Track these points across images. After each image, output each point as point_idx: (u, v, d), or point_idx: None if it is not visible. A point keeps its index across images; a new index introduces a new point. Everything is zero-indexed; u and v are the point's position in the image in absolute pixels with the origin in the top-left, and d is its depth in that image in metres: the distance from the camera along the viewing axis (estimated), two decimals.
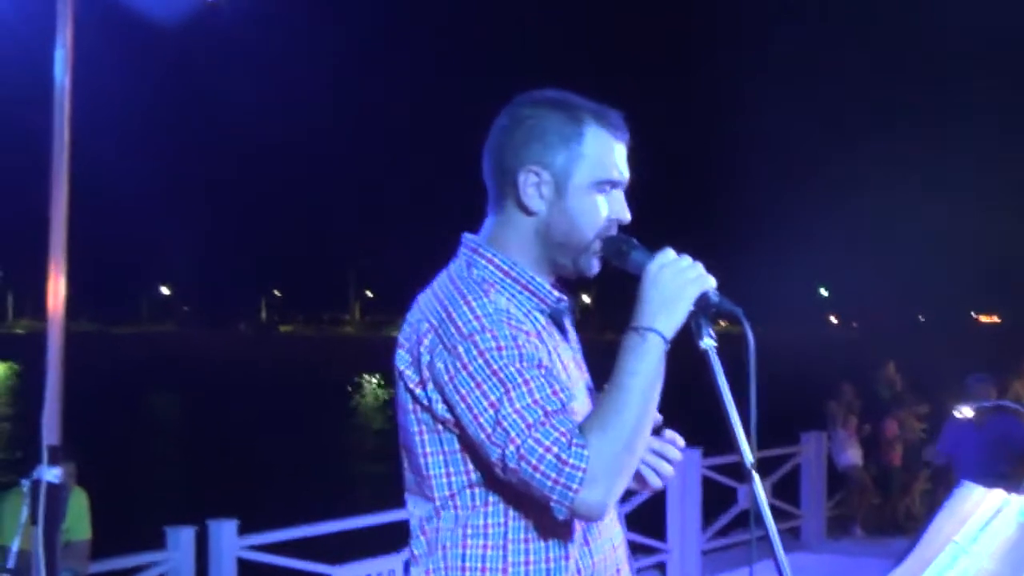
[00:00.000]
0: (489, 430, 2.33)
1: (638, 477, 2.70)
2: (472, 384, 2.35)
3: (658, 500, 10.33)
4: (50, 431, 4.24)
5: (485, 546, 2.48)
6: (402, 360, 2.51)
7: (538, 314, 2.55)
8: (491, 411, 2.33)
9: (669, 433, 2.72)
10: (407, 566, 2.64)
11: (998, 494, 3.39)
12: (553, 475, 2.28)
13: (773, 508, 11.65)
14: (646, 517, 10.30)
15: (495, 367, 2.34)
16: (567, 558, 2.49)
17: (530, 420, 2.30)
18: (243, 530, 7.58)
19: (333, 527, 8.05)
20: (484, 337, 2.37)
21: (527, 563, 2.47)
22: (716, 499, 10.86)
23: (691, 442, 9.28)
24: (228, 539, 7.43)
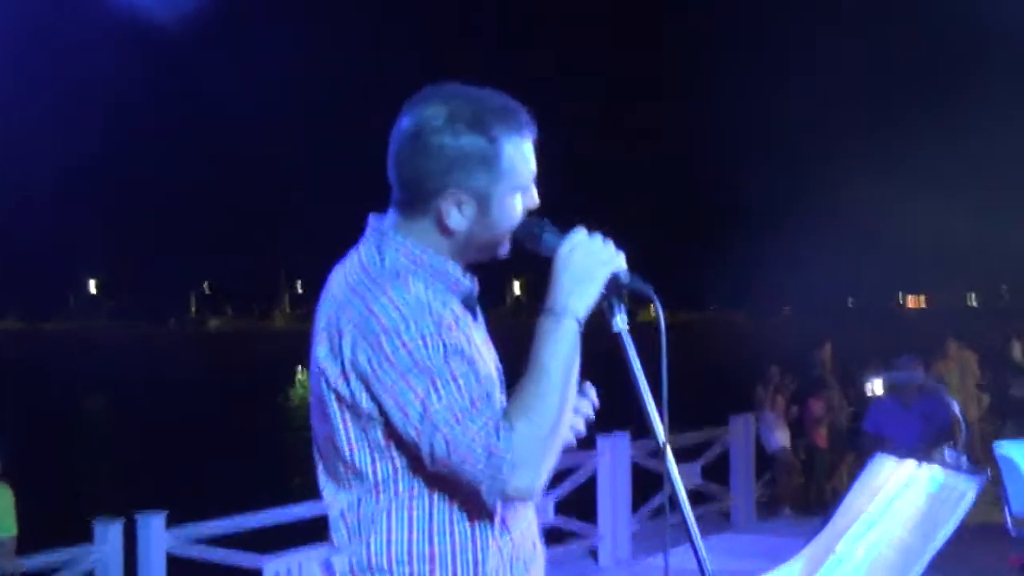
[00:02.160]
0: (416, 422, 2.34)
1: None
2: (397, 376, 2.35)
3: (589, 485, 10.38)
4: None
5: (410, 533, 2.48)
6: (321, 354, 2.49)
7: (451, 297, 2.54)
8: (417, 404, 2.33)
9: (583, 385, 2.69)
10: (328, 565, 2.58)
11: (909, 465, 3.45)
12: (482, 464, 2.30)
13: (703, 491, 11.83)
14: (577, 502, 10.35)
15: (418, 359, 2.34)
16: (491, 539, 2.51)
17: (457, 411, 2.31)
18: (172, 523, 7.53)
19: (262, 519, 8.01)
20: (408, 330, 2.36)
21: (453, 549, 2.48)
22: (645, 483, 10.94)
23: (620, 427, 9.28)
24: (156, 532, 7.39)
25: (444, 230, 2.53)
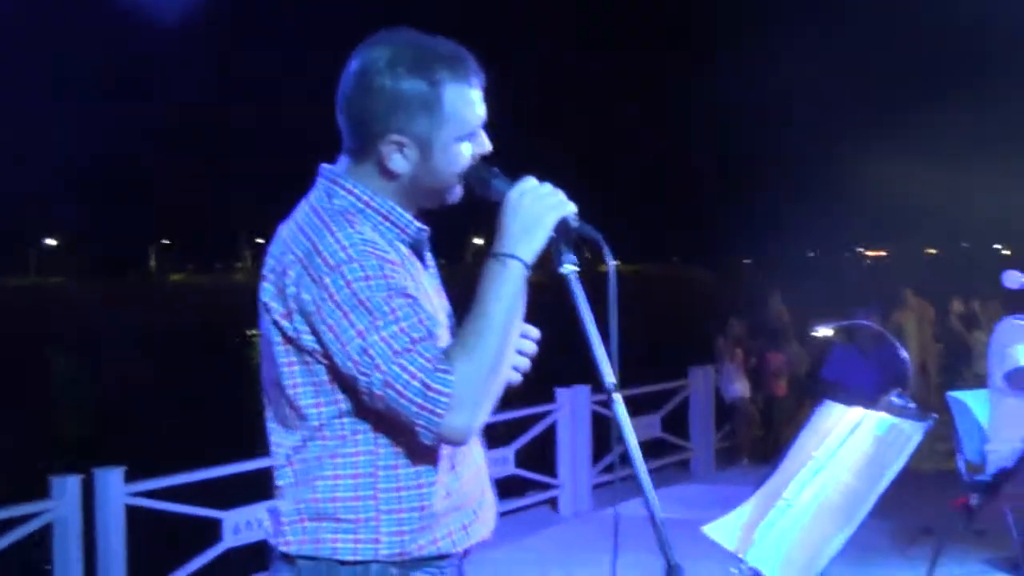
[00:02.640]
0: (356, 358, 2.36)
1: None
2: (339, 314, 2.37)
3: (549, 437, 10.42)
4: None
5: (356, 475, 2.50)
6: (267, 293, 2.51)
7: (400, 244, 2.57)
8: (358, 339, 2.35)
9: (523, 326, 2.70)
10: (274, 511, 2.62)
11: (857, 411, 3.49)
12: (419, 401, 2.33)
13: (663, 442, 11.91)
14: (537, 453, 10.40)
15: (362, 297, 2.36)
16: (436, 483, 2.53)
17: (396, 347, 2.34)
18: (131, 478, 7.51)
19: (220, 472, 8.00)
20: (351, 267, 2.38)
21: (397, 490, 2.51)
22: (606, 435, 10.98)
23: (580, 379, 9.32)
24: (115, 487, 7.36)
25: (387, 174, 2.55)
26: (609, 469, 10.91)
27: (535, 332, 2.74)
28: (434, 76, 2.50)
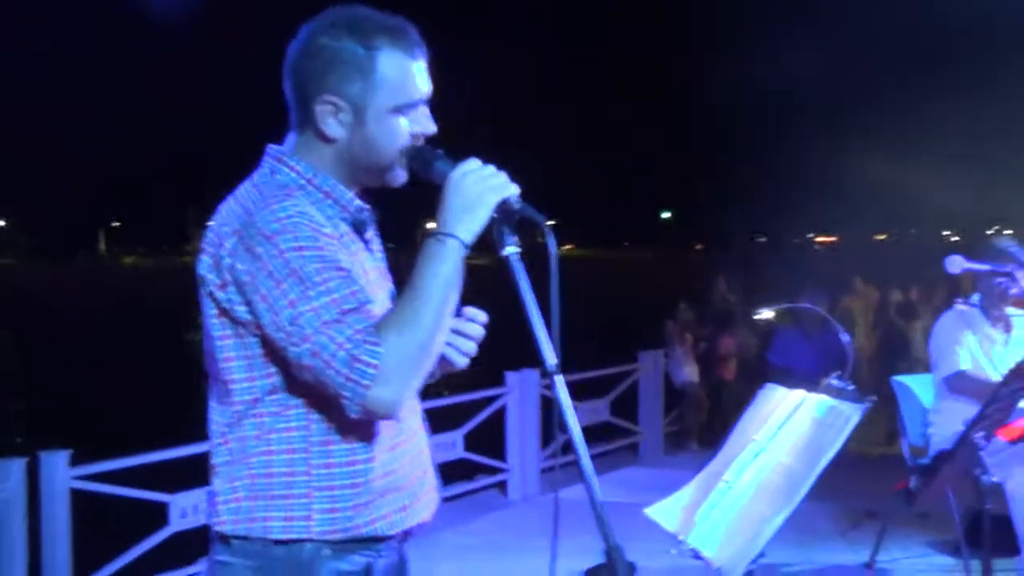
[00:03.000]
0: (287, 328, 2.37)
1: (442, 360, 2.75)
2: (272, 283, 2.38)
3: (498, 420, 10.43)
4: None
5: (290, 451, 2.51)
6: (204, 265, 2.52)
7: (340, 222, 2.58)
8: (289, 309, 2.36)
9: (469, 310, 2.76)
10: (211, 494, 2.61)
11: (797, 393, 3.53)
12: (345, 371, 2.33)
13: (612, 426, 11.94)
14: (486, 437, 10.40)
15: (294, 266, 2.37)
16: (372, 461, 2.53)
17: (326, 318, 2.35)
18: (77, 461, 7.46)
19: (167, 455, 7.95)
20: (285, 238, 2.39)
21: (328, 467, 2.51)
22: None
23: (530, 363, 9.34)
24: (60, 470, 7.30)
25: (324, 138, 2.58)
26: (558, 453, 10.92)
27: (482, 316, 2.77)
28: (371, 41, 2.54)
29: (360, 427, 2.49)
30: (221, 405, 2.58)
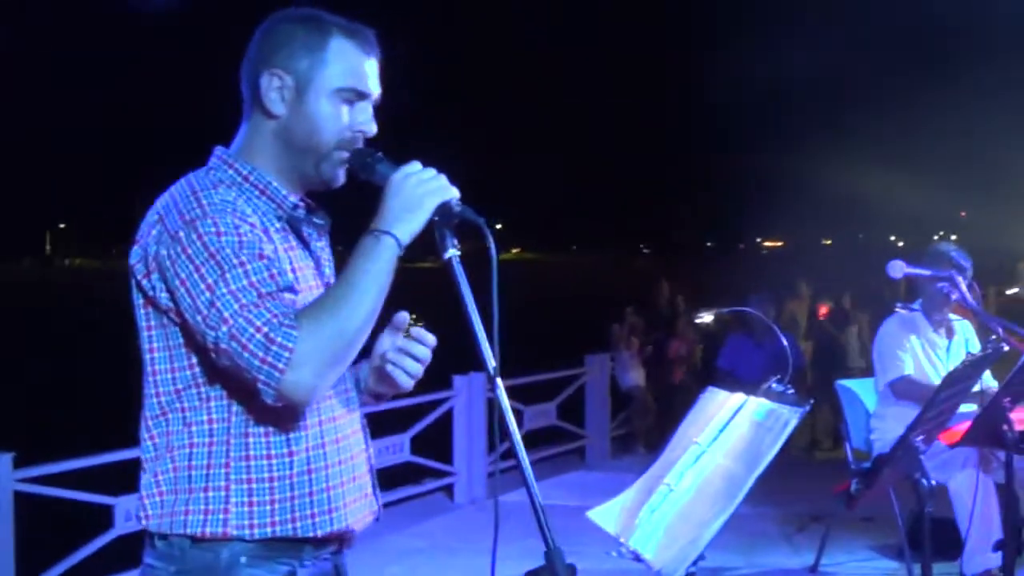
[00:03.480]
0: (205, 311, 2.38)
1: (387, 380, 2.78)
2: (191, 268, 2.40)
3: (445, 424, 10.43)
4: None
5: (210, 443, 2.52)
6: (134, 255, 2.55)
7: (274, 219, 2.61)
8: (207, 293, 2.38)
9: (418, 331, 2.76)
10: (139, 491, 2.62)
11: (738, 397, 3.56)
12: (260, 354, 2.33)
13: (558, 429, 11.96)
14: (433, 440, 10.40)
15: (212, 250, 2.40)
16: (291, 456, 2.54)
17: (243, 301, 2.36)
18: (20, 464, 7.41)
19: (112, 458, 7.91)
20: (205, 223, 2.42)
21: (248, 459, 2.51)
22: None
23: (477, 367, 9.30)
24: (3, 472, 7.26)
25: (267, 114, 2.62)
26: (505, 456, 10.94)
27: (431, 340, 2.77)
28: (325, 28, 2.61)
29: (281, 420, 2.50)
30: (148, 399, 2.58)
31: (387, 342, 2.78)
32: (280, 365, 2.32)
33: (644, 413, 13.45)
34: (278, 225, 2.61)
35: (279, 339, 2.33)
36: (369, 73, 2.64)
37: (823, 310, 14.25)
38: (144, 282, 2.51)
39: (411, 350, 2.74)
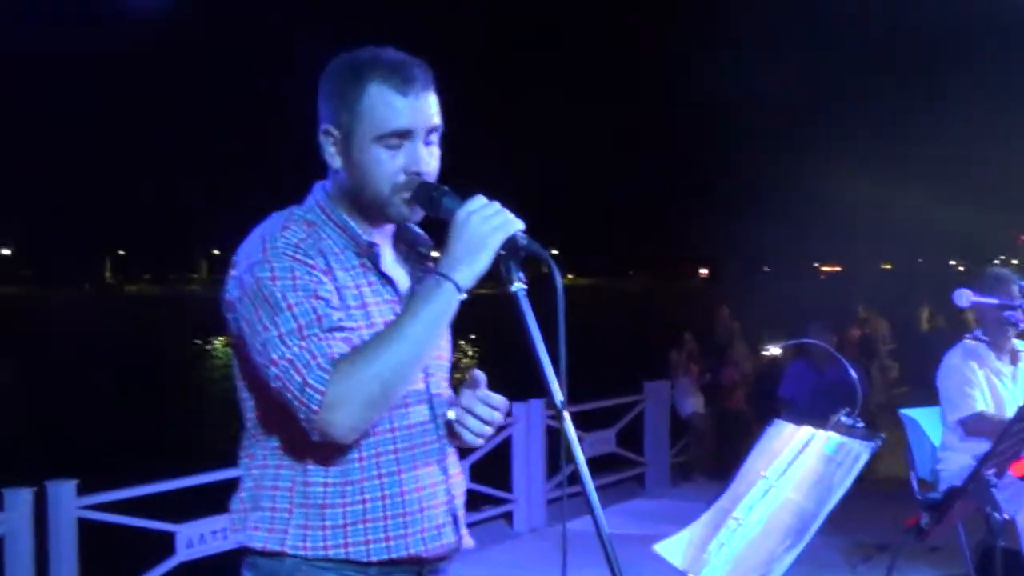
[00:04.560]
0: (260, 350, 2.52)
1: (456, 435, 2.83)
2: (252, 310, 2.54)
3: (504, 451, 10.41)
4: None
5: (279, 466, 2.66)
6: (224, 291, 2.68)
7: (353, 255, 2.69)
8: (262, 334, 2.51)
9: (482, 392, 2.79)
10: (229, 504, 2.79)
11: (806, 430, 3.52)
12: (298, 395, 2.46)
13: (618, 456, 11.90)
14: (492, 467, 10.38)
15: (266, 294, 2.52)
16: (346, 485, 2.63)
17: (289, 343, 2.48)
18: (84, 490, 7.46)
19: (174, 485, 7.95)
20: (263, 268, 2.54)
21: (308, 484, 2.63)
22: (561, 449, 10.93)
23: (536, 393, 9.31)
24: (67, 499, 7.31)
25: (330, 168, 2.73)
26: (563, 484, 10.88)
27: (503, 402, 2.80)
28: (363, 73, 2.65)
29: (338, 451, 2.59)
30: (243, 421, 2.74)
31: (463, 397, 2.81)
32: (314, 407, 2.45)
33: (703, 440, 13.37)
34: (357, 262, 2.69)
35: (311, 381, 2.45)
36: (411, 111, 2.66)
37: (855, 334, 14.03)
38: (228, 319, 2.66)
39: (475, 410, 2.78)
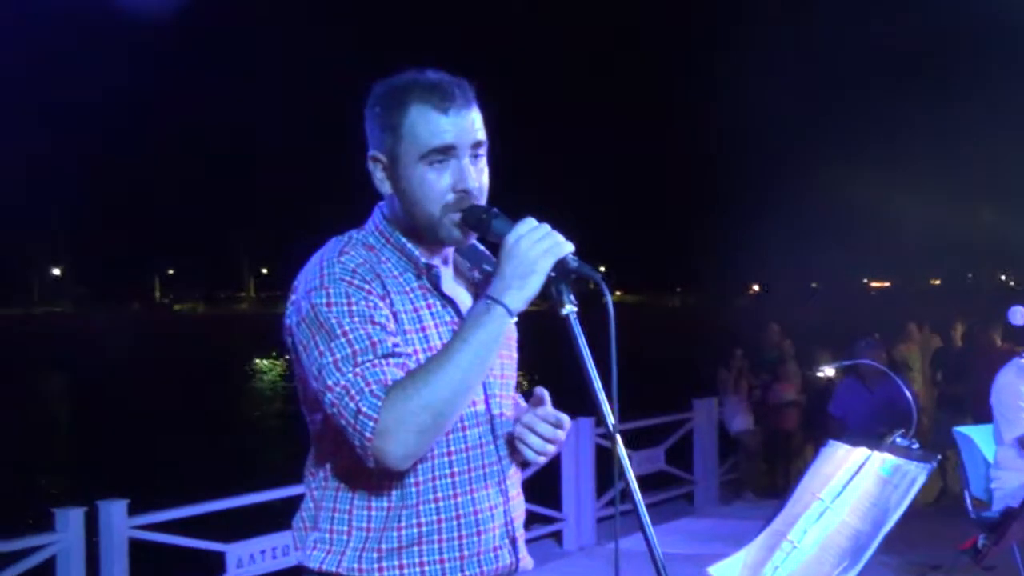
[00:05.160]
0: (316, 377, 2.54)
1: (517, 452, 2.82)
2: (309, 335, 2.56)
3: (553, 470, 10.39)
4: None
5: (338, 488, 2.68)
6: (285, 319, 2.72)
7: (412, 277, 2.70)
8: (319, 360, 2.53)
9: (542, 410, 2.77)
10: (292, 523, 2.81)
11: (861, 452, 3.48)
12: (352, 422, 2.47)
13: (667, 475, 11.85)
14: (541, 486, 10.36)
15: (322, 320, 2.54)
16: (404, 508, 2.63)
17: (343, 369, 2.49)
18: (134, 510, 7.50)
19: (224, 505, 7.99)
20: (320, 294, 2.56)
21: (368, 507, 2.64)
22: (610, 467, 10.88)
23: (584, 412, 9.28)
24: (118, 519, 7.35)
25: (382, 195, 2.75)
26: (615, 502, 10.83)
27: (567, 422, 2.80)
28: (403, 96, 2.67)
29: (396, 475, 2.59)
30: (309, 444, 2.76)
31: (525, 415, 2.80)
32: (367, 434, 2.45)
33: (752, 458, 13.30)
34: (416, 284, 2.69)
35: (364, 408, 2.45)
36: (453, 127, 2.66)
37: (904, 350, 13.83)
38: (288, 343, 2.68)
39: (536, 428, 2.76)
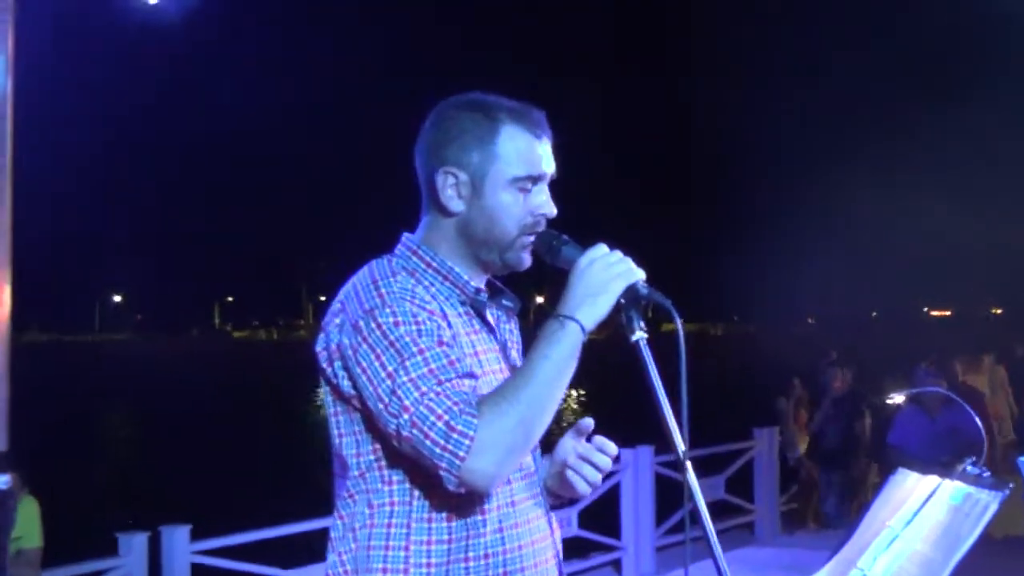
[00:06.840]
0: (386, 399, 2.40)
1: (567, 485, 2.77)
2: (372, 356, 2.43)
3: (612, 497, 10.36)
4: None
5: (389, 525, 2.53)
6: (319, 342, 2.59)
7: (457, 303, 2.63)
8: (388, 381, 2.40)
9: (598, 439, 2.74)
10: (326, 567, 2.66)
11: (931, 480, 3.45)
12: (442, 442, 2.34)
13: (727, 504, 11.80)
14: (600, 514, 10.34)
15: (392, 339, 2.42)
16: (470, 539, 2.53)
17: (424, 388, 2.37)
18: (196, 535, 7.56)
19: (285, 531, 8.04)
20: (384, 312, 2.45)
21: (428, 542, 2.52)
22: (670, 496, 10.91)
23: (643, 439, 9.25)
24: (180, 544, 7.42)
25: (445, 212, 2.63)
26: (674, 530, 10.81)
27: (613, 449, 2.76)
28: (494, 114, 2.61)
29: (462, 506, 2.50)
30: (339, 479, 2.64)
31: (569, 445, 2.77)
32: (461, 453, 2.33)
33: (813, 487, 13.19)
34: (461, 310, 2.63)
35: (459, 427, 2.33)
36: (542, 155, 2.64)
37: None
38: (327, 369, 2.55)
39: (592, 459, 2.72)
